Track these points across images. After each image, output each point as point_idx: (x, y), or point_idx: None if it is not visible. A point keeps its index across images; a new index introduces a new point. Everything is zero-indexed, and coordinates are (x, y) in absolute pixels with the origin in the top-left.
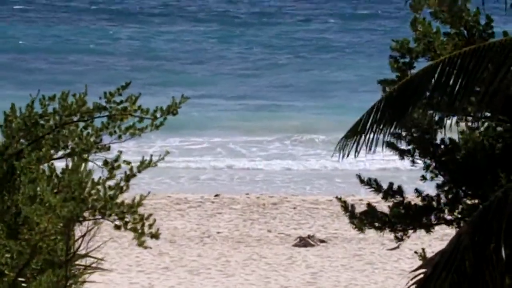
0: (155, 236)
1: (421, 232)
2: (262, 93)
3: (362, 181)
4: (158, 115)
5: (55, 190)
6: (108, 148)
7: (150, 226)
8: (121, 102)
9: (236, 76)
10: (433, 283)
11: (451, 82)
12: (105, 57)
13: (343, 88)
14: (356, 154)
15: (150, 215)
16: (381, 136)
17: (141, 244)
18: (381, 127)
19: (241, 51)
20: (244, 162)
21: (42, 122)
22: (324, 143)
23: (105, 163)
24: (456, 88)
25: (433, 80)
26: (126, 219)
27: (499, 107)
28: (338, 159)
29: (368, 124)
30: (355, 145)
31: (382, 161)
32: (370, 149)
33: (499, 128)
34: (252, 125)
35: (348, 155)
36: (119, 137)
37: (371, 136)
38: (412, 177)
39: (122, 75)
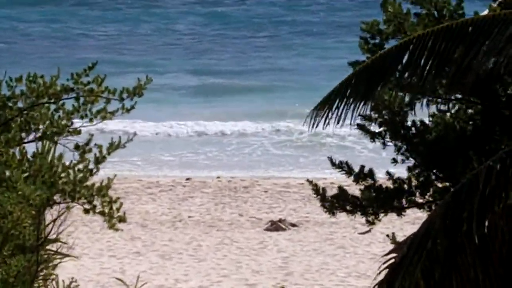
0: (122, 220)
1: (393, 216)
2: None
3: (333, 164)
4: (124, 96)
5: (25, 174)
6: (79, 132)
7: (118, 209)
8: (89, 83)
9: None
10: (404, 267)
11: (422, 61)
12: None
13: None
14: (325, 127)
15: (118, 198)
16: (350, 111)
17: (111, 226)
18: (350, 102)
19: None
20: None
21: (10, 104)
22: None
23: (77, 147)
24: (427, 68)
25: (404, 59)
26: (95, 203)
27: (469, 87)
28: (308, 130)
29: (338, 98)
30: (324, 118)
31: None
32: (338, 122)
33: (470, 111)
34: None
35: (317, 127)
36: (90, 120)
37: (340, 109)
38: (383, 159)
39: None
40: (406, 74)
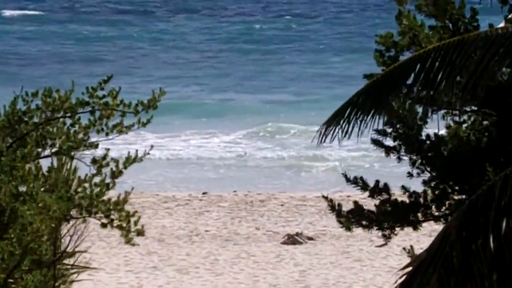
0: (141, 233)
1: (410, 229)
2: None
3: (348, 180)
4: (139, 109)
5: (42, 189)
6: (96, 146)
7: (136, 223)
8: (104, 96)
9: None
10: (419, 277)
11: (433, 73)
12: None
13: None
14: (332, 140)
15: (135, 212)
16: (361, 124)
17: (128, 241)
18: (361, 115)
19: None
20: None
21: (25, 119)
22: None
23: (94, 161)
24: (438, 79)
25: (416, 70)
26: (112, 217)
27: (483, 98)
28: (317, 145)
29: (348, 111)
30: (334, 131)
31: None
32: (349, 137)
33: (485, 122)
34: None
35: (324, 141)
36: (107, 134)
37: (352, 123)
38: (399, 173)
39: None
40: (417, 86)
